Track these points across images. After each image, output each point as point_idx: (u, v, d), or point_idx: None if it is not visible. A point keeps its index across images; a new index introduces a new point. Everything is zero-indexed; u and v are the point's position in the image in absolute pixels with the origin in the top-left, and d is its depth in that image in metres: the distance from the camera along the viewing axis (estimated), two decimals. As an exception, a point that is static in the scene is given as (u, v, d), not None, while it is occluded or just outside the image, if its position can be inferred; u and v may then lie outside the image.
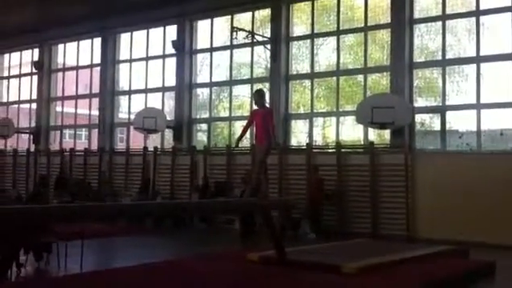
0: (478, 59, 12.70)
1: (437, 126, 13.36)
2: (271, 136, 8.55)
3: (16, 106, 21.80)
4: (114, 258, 10.22)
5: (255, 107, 8.93)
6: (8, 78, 22.31)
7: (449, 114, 13.07)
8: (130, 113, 18.53)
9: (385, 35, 14.22)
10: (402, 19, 13.35)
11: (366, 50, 14.16)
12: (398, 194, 12.76)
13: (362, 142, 14.05)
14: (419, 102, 13.70)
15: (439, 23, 13.30)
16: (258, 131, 8.71)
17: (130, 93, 18.65)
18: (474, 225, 11.56)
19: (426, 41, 13.83)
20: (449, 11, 13.14)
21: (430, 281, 7.42)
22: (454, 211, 11.87)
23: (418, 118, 13.62)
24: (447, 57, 13.19)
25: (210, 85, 16.95)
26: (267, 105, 9.56)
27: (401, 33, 13.34)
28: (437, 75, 13.62)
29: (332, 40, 14.93)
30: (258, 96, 8.82)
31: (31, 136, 20.35)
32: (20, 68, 21.86)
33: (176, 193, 16.12)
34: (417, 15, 13.60)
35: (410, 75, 13.41)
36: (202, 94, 17.70)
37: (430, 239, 11.59)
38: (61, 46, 20.53)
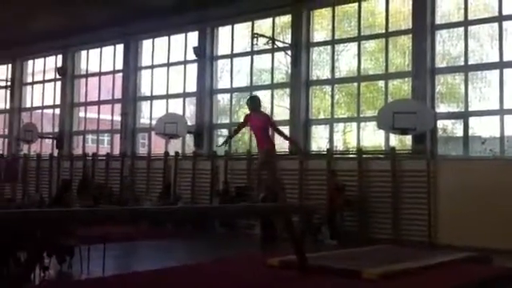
0: (500, 65, 12.58)
1: (459, 132, 13.25)
2: (291, 140, 9.13)
3: (40, 111, 22.11)
4: (136, 262, 10.31)
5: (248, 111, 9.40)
6: (32, 83, 22.65)
7: (471, 120, 12.95)
8: (151, 118, 18.69)
9: (406, 41, 14.16)
10: (424, 25, 13.29)
11: (387, 56, 14.12)
12: (419, 200, 12.67)
13: (383, 148, 13.99)
14: (441, 108, 13.60)
15: (461, 29, 13.20)
16: (259, 136, 9.10)
17: (151, 98, 18.83)
18: (496, 231, 11.42)
19: (447, 46, 13.73)
20: (471, 17, 13.04)
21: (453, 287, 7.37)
22: (477, 217, 11.75)
23: (440, 123, 13.54)
24: (469, 62, 13.07)
25: (231, 90, 17.03)
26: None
27: (422, 38, 13.28)
28: (459, 81, 13.51)
29: (353, 46, 14.90)
30: (257, 102, 9.32)
31: (54, 141, 20.61)
32: (44, 74, 22.18)
33: (197, 197, 16.21)
34: (438, 21, 13.52)
35: (432, 81, 13.33)
36: (223, 99, 17.80)
37: (451, 246, 11.48)
38: (84, 53, 20.81)
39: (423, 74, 13.20)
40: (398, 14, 14.25)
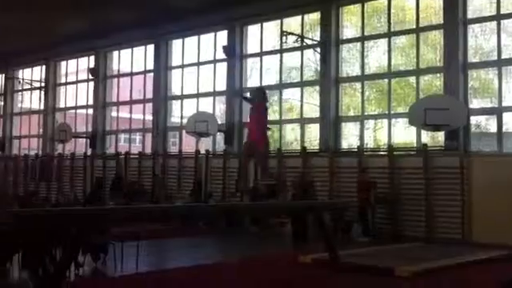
0: (535, 59, 12.33)
1: (493, 128, 13.04)
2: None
3: (73, 111, 22.50)
4: (168, 259, 10.43)
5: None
6: (65, 84, 23.06)
7: (505, 116, 12.72)
8: (182, 117, 18.86)
9: (437, 36, 13.99)
10: (455, 19, 13.09)
11: (418, 52, 13.96)
12: (452, 197, 12.50)
13: (415, 145, 13.85)
14: (474, 104, 13.40)
15: (494, 23, 12.98)
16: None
17: (182, 97, 19.00)
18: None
19: (480, 41, 13.52)
20: (503, 11, 12.80)
21: (488, 286, 7.27)
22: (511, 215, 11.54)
23: (474, 119, 13.33)
24: (503, 57, 12.84)
25: (261, 89, 17.02)
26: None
27: (454, 33, 13.08)
28: (492, 76, 13.29)
29: (383, 42, 14.79)
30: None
31: (88, 140, 20.96)
32: (77, 75, 22.56)
33: (227, 195, 16.29)
34: (470, 15, 13.31)
35: (465, 76, 13.14)
36: (253, 97, 17.80)
37: (486, 243, 11.28)
38: (115, 53, 21.10)
39: (455, 69, 13.01)
40: (429, 8, 14.09)
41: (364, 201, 12.96)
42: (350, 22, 15.69)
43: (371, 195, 12.97)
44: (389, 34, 14.47)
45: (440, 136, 13.50)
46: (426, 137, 13.86)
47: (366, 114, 14.94)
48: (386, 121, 14.56)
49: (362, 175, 13.38)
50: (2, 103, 24.98)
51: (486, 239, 11.57)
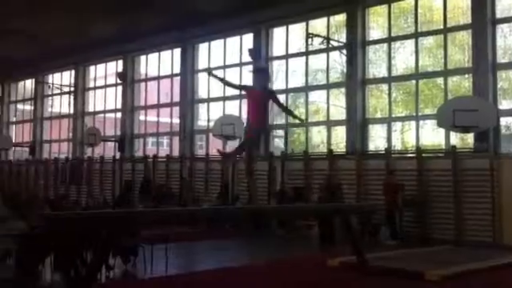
0: None
1: (523, 129, 12.83)
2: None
3: (102, 115, 22.83)
4: (196, 261, 10.52)
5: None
6: (94, 88, 23.42)
7: (536, 117, 12.51)
8: (208, 120, 18.98)
9: (465, 36, 13.82)
10: (484, 19, 12.92)
11: (446, 52, 13.81)
12: (482, 199, 12.32)
13: (444, 147, 13.70)
14: (504, 105, 13.20)
15: (523, 22, 12.78)
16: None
17: (208, 101, 19.12)
18: None
19: (509, 41, 13.33)
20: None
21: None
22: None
23: (503, 120, 13.13)
24: (533, 57, 12.64)
25: (286, 91, 17.06)
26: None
27: (482, 33, 12.91)
28: (522, 76, 13.08)
29: (410, 43, 14.67)
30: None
31: (116, 144, 21.23)
32: (105, 79, 22.90)
33: (254, 198, 16.30)
34: (499, 15, 13.12)
35: (494, 77, 12.95)
36: (279, 100, 17.82)
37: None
38: (143, 57, 21.34)
39: (484, 70, 12.84)
40: (457, 9, 13.93)
41: (392, 203, 12.86)
42: (376, 23, 15.61)
43: (399, 198, 12.87)
44: (416, 35, 14.35)
45: (469, 138, 13.33)
46: (455, 138, 13.70)
47: (393, 115, 14.84)
48: (413, 123, 14.44)
49: (389, 177, 13.28)
50: (33, 108, 25.46)
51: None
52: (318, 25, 16.35)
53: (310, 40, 15.28)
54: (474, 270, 8.11)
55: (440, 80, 14.29)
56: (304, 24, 16.44)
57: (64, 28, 19.00)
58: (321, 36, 15.32)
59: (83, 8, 16.82)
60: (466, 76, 13.81)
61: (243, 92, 8.30)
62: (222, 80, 9.33)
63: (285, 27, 16.98)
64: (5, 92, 26.92)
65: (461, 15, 13.85)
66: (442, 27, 13.92)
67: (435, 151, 13.96)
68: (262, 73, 7.56)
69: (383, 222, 12.98)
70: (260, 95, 7.75)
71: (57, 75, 24.54)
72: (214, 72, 8.76)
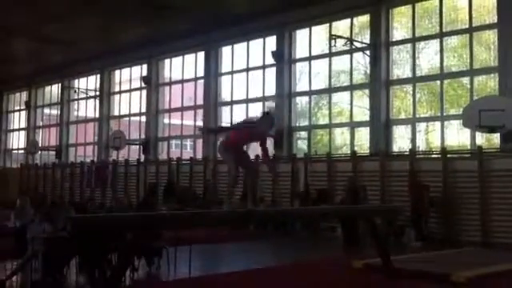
0: None
1: (551, 129, 12.55)
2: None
3: (127, 118, 23.07)
4: (221, 264, 10.54)
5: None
6: (119, 92, 23.68)
7: None
8: (232, 123, 19.01)
9: (491, 35, 13.62)
10: (510, 18, 12.72)
11: (471, 52, 13.63)
12: (509, 200, 12.12)
13: (469, 147, 13.51)
14: (531, 104, 12.94)
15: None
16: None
17: (231, 103, 19.18)
18: None
19: (537, 39, 13.07)
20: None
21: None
22: None
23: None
24: (561, 55, 12.39)
25: (310, 93, 17.03)
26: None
27: (509, 32, 12.71)
28: (550, 75, 12.82)
29: (434, 43, 14.51)
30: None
31: (141, 147, 21.42)
32: (130, 83, 23.14)
33: (278, 200, 16.30)
34: (526, 12, 12.91)
35: (521, 76, 12.74)
36: (301, 102, 17.84)
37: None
38: (167, 61, 21.50)
39: (511, 70, 12.63)
40: (482, 8, 13.74)
41: (417, 205, 12.73)
42: (400, 24, 15.49)
43: (424, 199, 12.73)
44: (441, 35, 14.20)
45: (496, 138, 13.13)
46: (481, 139, 13.50)
47: (417, 116, 14.69)
48: (438, 123, 14.27)
49: (414, 178, 13.15)
50: (59, 112, 25.85)
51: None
52: (341, 26, 16.29)
53: (333, 41, 15.22)
54: (501, 271, 7.98)
55: (465, 80, 14.12)
56: (327, 25, 16.39)
57: (89, 33, 19.29)
58: (344, 37, 15.26)
59: (108, 14, 17.05)
60: (492, 75, 13.61)
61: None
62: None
63: (308, 29, 16.95)
64: (31, 97, 27.37)
65: (486, 14, 13.66)
66: (467, 26, 13.75)
67: (461, 152, 13.78)
68: (269, 118, 7.17)
69: (408, 224, 12.86)
70: (256, 137, 7.29)
71: (82, 80, 24.88)
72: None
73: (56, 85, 26.24)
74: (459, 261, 8.96)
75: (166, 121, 21.69)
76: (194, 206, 16.27)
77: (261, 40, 18.05)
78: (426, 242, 12.33)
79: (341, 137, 17.21)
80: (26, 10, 16.80)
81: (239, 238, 13.11)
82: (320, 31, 16.96)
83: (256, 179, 7.56)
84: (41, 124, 27.78)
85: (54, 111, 26.68)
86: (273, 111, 7.50)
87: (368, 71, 15.64)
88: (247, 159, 7.32)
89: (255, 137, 7.29)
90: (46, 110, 27.66)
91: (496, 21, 13.14)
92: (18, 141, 28.84)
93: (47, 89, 27.38)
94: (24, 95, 28.00)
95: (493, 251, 10.92)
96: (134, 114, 22.60)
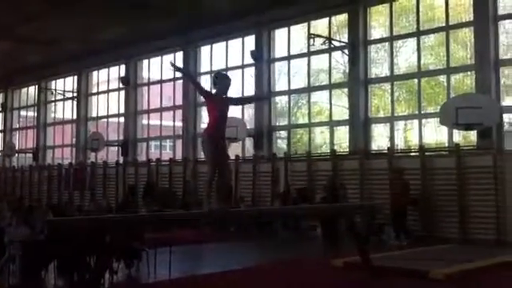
0: None
1: (527, 126, 12.76)
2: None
3: (105, 120, 22.86)
4: (201, 265, 10.48)
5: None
6: (97, 93, 23.46)
7: (540, 113, 12.45)
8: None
9: (467, 34, 13.78)
10: (486, 16, 12.87)
11: (448, 50, 13.76)
12: (486, 197, 12.26)
13: (447, 145, 13.64)
14: (507, 101, 13.14)
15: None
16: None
17: (211, 103, 19.07)
18: None
19: (511, 37, 13.26)
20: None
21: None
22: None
23: (507, 117, 13.07)
24: (536, 53, 12.57)
25: (289, 92, 17.04)
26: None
27: (485, 30, 12.86)
28: (525, 72, 13.02)
29: (411, 41, 14.63)
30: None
31: (120, 148, 21.24)
32: (108, 84, 22.93)
33: (258, 200, 16.30)
34: (501, 11, 13.07)
35: (497, 73, 12.89)
36: (280, 101, 17.85)
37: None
38: (145, 62, 21.36)
39: (487, 67, 12.78)
40: (458, 6, 13.89)
41: (396, 203, 12.79)
42: (377, 23, 15.58)
43: (403, 197, 12.79)
44: (418, 33, 14.31)
45: (472, 135, 13.27)
46: (458, 136, 13.65)
47: (395, 114, 14.79)
48: (416, 121, 14.39)
49: (394, 176, 13.21)
50: (36, 114, 25.53)
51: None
52: (320, 25, 16.33)
53: (311, 41, 15.26)
54: (479, 268, 8.06)
55: (442, 78, 14.26)
56: (305, 25, 16.42)
57: (66, 34, 19.06)
58: (322, 36, 15.30)
59: (85, 14, 16.85)
60: (469, 73, 13.75)
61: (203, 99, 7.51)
62: (188, 76, 8.55)
63: (286, 28, 16.96)
64: (8, 99, 26.99)
65: (463, 12, 13.81)
66: (443, 25, 13.88)
67: (438, 149, 13.91)
68: (225, 79, 6.94)
69: (388, 222, 12.92)
70: (222, 102, 7.05)
71: (60, 81, 24.62)
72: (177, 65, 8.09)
73: (33, 86, 25.91)
74: (438, 258, 9.02)
75: (145, 122, 21.54)
76: (173, 207, 16.17)
77: (239, 40, 18.02)
78: (406, 239, 12.38)
79: (320, 136, 17.25)
80: (0, 9, 16.54)
81: (219, 238, 13.06)
82: (299, 30, 16.99)
83: (227, 180, 7.34)
84: (17, 126, 27.43)
85: (31, 113, 26.35)
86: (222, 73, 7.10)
87: (347, 70, 15.71)
88: (226, 158, 7.25)
89: (220, 103, 7.02)
90: (23, 112, 27.29)
91: (472, 19, 13.28)
92: (-6, 143, 28.46)
93: (24, 90, 27.03)
94: (0, 97, 27.59)
95: (470, 247, 11.03)
96: (113, 115, 22.41)
